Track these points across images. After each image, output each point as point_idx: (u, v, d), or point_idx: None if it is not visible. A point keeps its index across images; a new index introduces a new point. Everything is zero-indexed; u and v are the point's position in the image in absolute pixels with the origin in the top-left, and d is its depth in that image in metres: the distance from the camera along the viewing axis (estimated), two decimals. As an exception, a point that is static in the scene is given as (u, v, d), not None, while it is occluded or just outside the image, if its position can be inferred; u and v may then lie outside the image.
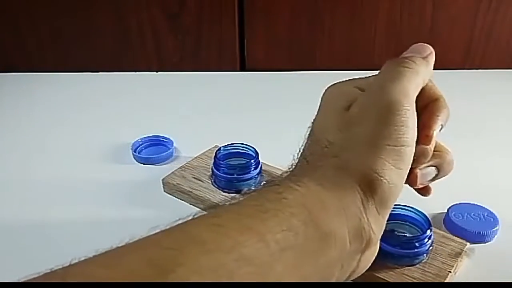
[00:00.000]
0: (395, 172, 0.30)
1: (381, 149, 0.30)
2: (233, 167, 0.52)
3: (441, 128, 0.36)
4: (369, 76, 0.35)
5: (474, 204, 0.51)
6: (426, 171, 0.36)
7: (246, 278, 0.23)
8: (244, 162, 0.54)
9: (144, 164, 0.61)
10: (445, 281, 0.41)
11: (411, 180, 0.35)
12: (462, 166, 0.60)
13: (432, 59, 0.36)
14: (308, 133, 0.35)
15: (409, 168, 0.32)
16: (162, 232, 0.25)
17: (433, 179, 0.37)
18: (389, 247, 0.42)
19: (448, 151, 0.39)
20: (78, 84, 0.84)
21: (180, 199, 0.54)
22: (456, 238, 0.45)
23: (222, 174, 0.52)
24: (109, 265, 0.22)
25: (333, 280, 0.30)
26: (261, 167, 0.54)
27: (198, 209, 0.52)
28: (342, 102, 0.34)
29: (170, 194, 0.55)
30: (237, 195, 0.30)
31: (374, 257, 0.33)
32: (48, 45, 0.87)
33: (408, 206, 0.45)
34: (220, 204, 0.29)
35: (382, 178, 0.30)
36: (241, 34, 0.86)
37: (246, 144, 0.55)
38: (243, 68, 0.88)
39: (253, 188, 0.47)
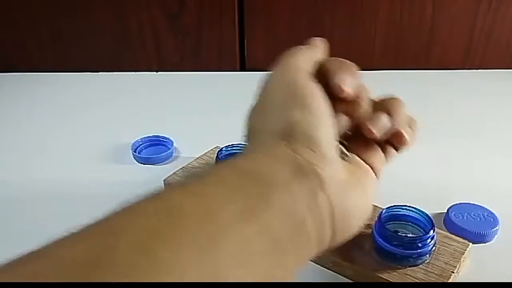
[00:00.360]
0: (306, 112, 0.32)
1: (288, 107, 0.33)
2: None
3: (355, 80, 0.37)
4: None
5: (474, 204, 0.51)
6: (376, 120, 0.37)
7: (195, 228, 0.24)
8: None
9: (144, 164, 0.61)
10: (448, 281, 0.41)
11: (365, 131, 0.36)
12: (462, 166, 0.61)
13: (319, 42, 0.40)
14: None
15: (324, 109, 0.33)
16: (115, 212, 0.25)
17: (393, 125, 0.38)
18: (392, 248, 0.42)
19: (392, 97, 0.40)
20: (78, 84, 0.84)
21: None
22: (459, 238, 0.45)
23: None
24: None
25: (310, 225, 0.29)
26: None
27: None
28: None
29: (171, 195, 0.55)
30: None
31: (352, 203, 0.32)
32: (48, 45, 0.87)
33: (411, 207, 0.45)
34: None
35: (296, 121, 0.32)
36: (241, 34, 0.86)
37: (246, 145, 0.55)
38: (243, 68, 0.88)
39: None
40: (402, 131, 0.39)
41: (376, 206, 0.49)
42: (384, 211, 0.45)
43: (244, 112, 0.53)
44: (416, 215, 0.45)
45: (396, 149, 0.40)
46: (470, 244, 0.45)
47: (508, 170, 0.60)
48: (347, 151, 0.36)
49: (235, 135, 0.59)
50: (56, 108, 0.76)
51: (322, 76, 0.36)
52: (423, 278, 0.41)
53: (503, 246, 0.48)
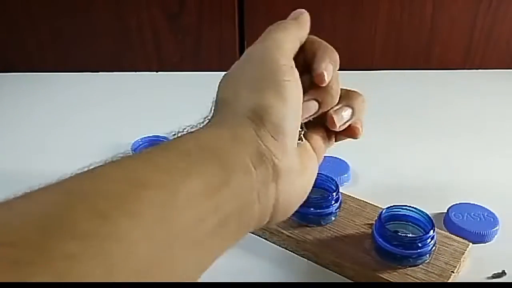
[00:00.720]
0: (280, 101, 0.33)
1: (263, 88, 0.33)
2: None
3: (334, 69, 0.37)
4: None
5: (474, 204, 0.51)
6: (341, 112, 0.39)
7: (153, 203, 0.24)
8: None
9: (144, 164, 0.61)
10: (448, 281, 0.41)
11: (329, 122, 0.38)
12: (462, 166, 0.61)
13: (304, 18, 0.39)
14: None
15: (297, 101, 0.34)
16: (75, 174, 0.26)
17: (351, 118, 0.39)
18: (392, 248, 0.42)
19: (357, 92, 0.41)
20: (78, 84, 0.84)
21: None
22: (459, 238, 0.45)
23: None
24: (27, 197, 0.24)
25: (257, 213, 0.31)
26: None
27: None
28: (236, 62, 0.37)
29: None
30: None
31: (298, 194, 0.34)
32: (48, 45, 0.87)
33: (411, 207, 0.45)
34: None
35: (267, 107, 0.32)
36: (241, 34, 0.86)
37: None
38: (243, 68, 0.88)
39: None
40: (359, 127, 0.40)
41: (376, 206, 0.49)
42: (384, 211, 0.45)
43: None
44: (416, 215, 0.45)
45: (342, 137, 0.42)
46: (470, 244, 0.45)
47: (508, 170, 0.60)
48: (303, 136, 0.37)
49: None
50: (56, 108, 0.76)
51: (303, 56, 0.38)
52: (423, 278, 0.41)
53: (503, 246, 0.48)
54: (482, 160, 0.62)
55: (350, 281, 0.44)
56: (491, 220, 0.49)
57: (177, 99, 0.79)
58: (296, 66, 0.36)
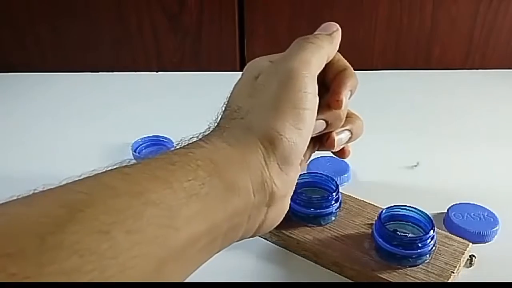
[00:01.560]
0: (295, 132, 0.33)
1: (282, 111, 0.33)
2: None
3: (350, 95, 0.39)
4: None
5: (474, 204, 0.51)
6: (341, 135, 0.41)
7: (154, 220, 0.25)
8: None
9: (144, 164, 0.61)
10: (448, 281, 0.41)
11: (329, 143, 0.40)
12: (462, 166, 0.61)
13: (338, 35, 0.39)
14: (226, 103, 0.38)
15: (310, 130, 0.35)
16: (77, 180, 0.27)
17: (347, 142, 0.42)
18: (392, 248, 0.42)
19: (358, 117, 0.43)
20: (78, 84, 0.84)
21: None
22: (459, 238, 0.45)
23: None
24: (28, 204, 0.24)
25: (242, 231, 0.32)
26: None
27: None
28: (253, 72, 0.37)
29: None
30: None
31: (282, 215, 0.36)
32: (48, 45, 0.87)
33: (411, 207, 0.45)
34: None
35: (282, 136, 0.32)
36: (241, 34, 0.86)
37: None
38: (243, 68, 0.88)
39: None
40: (349, 150, 0.43)
41: (376, 206, 0.49)
42: (384, 211, 0.45)
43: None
44: (416, 215, 0.45)
45: (336, 154, 0.44)
46: (470, 244, 0.45)
47: (508, 170, 0.60)
48: None
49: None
50: (55, 108, 0.76)
51: (324, 75, 0.38)
52: (423, 278, 0.41)
53: (503, 246, 0.47)
54: (482, 160, 0.62)
55: (350, 281, 0.43)
56: (491, 220, 0.49)
57: (177, 99, 0.79)
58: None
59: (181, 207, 0.26)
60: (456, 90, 0.83)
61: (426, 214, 0.44)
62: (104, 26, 0.85)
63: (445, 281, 0.40)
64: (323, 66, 0.37)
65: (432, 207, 0.51)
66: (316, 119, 0.36)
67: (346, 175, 0.57)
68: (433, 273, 0.41)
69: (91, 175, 0.27)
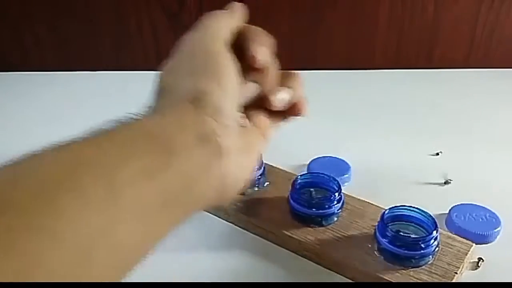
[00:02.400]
0: (219, 87, 0.35)
1: (201, 73, 0.35)
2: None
3: (269, 52, 0.40)
4: None
5: (476, 204, 0.51)
6: (281, 94, 0.41)
7: (95, 183, 0.26)
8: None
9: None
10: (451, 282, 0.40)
11: (268, 103, 0.40)
12: (464, 166, 0.60)
13: (235, 7, 0.42)
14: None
15: (232, 82, 0.36)
16: (26, 155, 0.28)
17: (290, 98, 0.42)
18: (395, 249, 0.42)
19: (295, 73, 0.44)
20: (78, 84, 0.84)
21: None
22: (462, 239, 0.45)
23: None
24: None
25: (201, 191, 0.32)
26: (264, 167, 0.53)
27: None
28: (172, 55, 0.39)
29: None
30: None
31: (245, 171, 0.36)
32: (48, 44, 0.87)
33: (414, 207, 0.45)
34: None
35: (208, 92, 0.34)
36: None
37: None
38: (243, 68, 0.87)
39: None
40: (301, 104, 0.43)
41: (379, 207, 0.49)
42: (387, 211, 0.44)
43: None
44: (419, 216, 0.45)
45: (288, 116, 0.44)
46: (474, 245, 0.44)
47: (510, 170, 0.60)
48: (246, 116, 0.39)
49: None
50: (55, 108, 0.76)
51: (238, 43, 0.39)
52: (426, 279, 0.40)
53: (505, 247, 0.47)
54: (484, 161, 0.62)
55: (350, 281, 0.43)
56: (493, 220, 0.49)
57: (177, 99, 0.78)
58: (234, 53, 0.38)
59: (119, 169, 0.27)
60: (457, 90, 0.83)
61: (429, 214, 0.44)
62: (103, 26, 0.85)
63: (449, 282, 0.40)
64: (231, 31, 0.39)
65: (434, 208, 0.51)
66: (246, 82, 0.38)
67: (347, 175, 0.56)
68: (436, 274, 0.41)
69: (32, 153, 0.28)
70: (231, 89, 0.36)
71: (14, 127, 0.71)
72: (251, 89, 0.40)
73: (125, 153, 0.29)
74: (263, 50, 0.39)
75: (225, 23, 0.40)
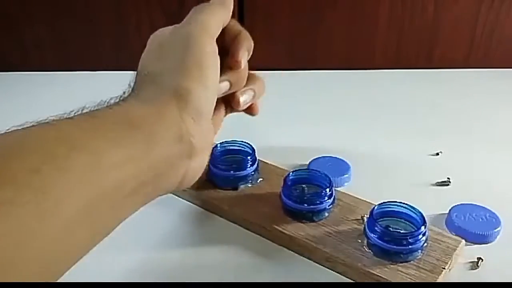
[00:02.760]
0: (202, 87, 0.36)
1: (188, 70, 0.36)
2: (230, 164, 0.52)
3: (248, 55, 0.43)
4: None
5: (476, 204, 0.51)
6: (245, 95, 0.45)
7: (81, 163, 0.27)
8: (241, 159, 0.53)
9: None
10: (440, 278, 0.40)
11: (235, 103, 0.44)
12: (464, 166, 0.60)
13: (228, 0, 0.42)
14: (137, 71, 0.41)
15: (215, 84, 0.38)
16: (10, 131, 0.29)
17: (252, 100, 0.46)
18: (383, 244, 0.42)
19: (259, 77, 0.47)
20: (78, 84, 0.84)
21: (177, 196, 0.54)
22: (451, 235, 0.45)
23: (218, 171, 0.52)
24: None
25: (168, 182, 0.35)
26: (257, 164, 0.54)
27: (194, 205, 0.53)
28: (157, 40, 0.41)
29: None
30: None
31: (202, 168, 0.38)
32: (47, 44, 0.87)
33: (403, 203, 0.45)
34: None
35: (191, 92, 0.36)
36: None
37: (243, 141, 0.55)
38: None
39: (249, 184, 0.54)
40: (257, 107, 0.48)
41: (370, 203, 0.49)
42: (376, 207, 0.45)
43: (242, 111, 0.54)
44: (408, 212, 0.45)
45: (236, 111, 0.47)
46: (463, 241, 0.44)
47: (510, 170, 0.60)
48: None
49: (230, 133, 0.59)
50: (55, 108, 0.75)
51: (224, 41, 0.42)
52: (415, 273, 0.40)
53: (505, 247, 0.47)
54: (484, 161, 0.62)
55: (343, 277, 0.43)
56: (493, 221, 0.48)
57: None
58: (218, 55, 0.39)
59: (105, 153, 0.29)
60: (457, 90, 0.82)
61: (418, 210, 0.44)
62: (103, 26, 0.86)
63: (437, 277, 0.40)
64: (221, 28, 0.41)
65: (434, 208, 0.51)
66: (220, 81, 0.40)
67: (347, 175, 0.56)
68: (425, 269, 0.41)
69: (21, 127, 0.29)
70: (213, 91, 0.38)
71: (14, 127, 0.72)
72: (223, 87, 0.42)
73: (109, 140, 0.30)
74: (246, 55, 0.42)
75: (216, 19, 0.40)
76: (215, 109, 0.40)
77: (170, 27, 0.41)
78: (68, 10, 0.84)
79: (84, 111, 0.33)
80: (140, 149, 0.32)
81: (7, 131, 0.29)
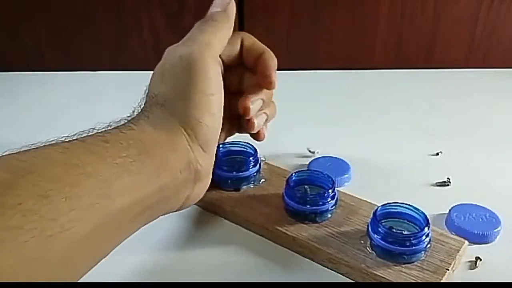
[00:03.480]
0: (211, 116, 0.37)
1: (196, 99, 0.36)
2: (232, 165, 0.52)
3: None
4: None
5: (476, 204, 0.51)
6: (259, 118, 0.46)
7: (89, 189, 0.28)
8: (243, 160, 0.53)
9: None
10: (443, 279, 0.40)
11: (250, 126, 0.45)
12: (464, 166, 0.60)
13: (232, 8, 0.42)
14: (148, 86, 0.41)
15: (221, 111, 0.38)
16: (19, 151, 0.29)
17: (264, 123, 0.47)
18: (386, 245, 0.42)
19: (273, 101, 0.48)
20: (77, 83, 0.84)
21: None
22: (454, 236, 0.45)
23: (221, 172, 0.52)
24: None
25: (170, 204, 0.36)
26: (260, 164, 0.54)
27: (196, 206, 0.52)
28: (166, 58, 0.41)
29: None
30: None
31: (205, 189, 0.40)
32: (47, 44, 0.87)
33: (407, 204, 0.45)
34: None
35: (201, 123, 0.36)
36: (241, 34, 0.86)
37: (245, 142, 0.55)
38: (243, 68, 0.88)
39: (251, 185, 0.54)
40: (264, 133, 0.48)
41: (373, 204, 0.49)
42: (379, 208, 0.45)
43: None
44: (412, 213, 0.45)
45: (252, 136, 0.49)
46: (466, 242, 0.44)
47: (511, 170, 0.60)
48: None
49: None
50: (54, 108, 0.76)
51: (240, 52, 0.43)
52: (418, 275, 0.40)
53: (505, 247, 0.47)
54: (484, 161, 0.62)
55: (345, 277, 0.43)
56: (493, 221, 0.49)
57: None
58: (227, 59, 0.41)
59: (115, 180, 0.29)
60: (457, 90, 0.82)
61: (421, 211, 0.44)
62: (103, 25, 0.85)
63: (440, 278, 0.40)
64: (224, 44, 0.41)
65: (434, 208, 0.51)
66: (253, 101, 0.42)
67: (347, 175, 0.56)
68: (428, 270, 0.41)
69: (31, 148, 0.29)
70: (219, 117, 0.38)
71: (14, 127, 0.72)
72: (257, 105, 0.44)
73: (119, 166, 0.30)
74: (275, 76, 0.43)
75: (219, 37, 0.40)
76: (222, 129, 0.40)
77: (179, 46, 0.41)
78: (68, 10, 0.84)
79: (94, 132, 0.33)
80: (148, 176, 0.32)
81: (19, 151, 0.29)
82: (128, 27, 0.85)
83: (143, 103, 0.39)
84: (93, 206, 0.27)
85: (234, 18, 0.42)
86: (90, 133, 0.33)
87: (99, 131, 0.34)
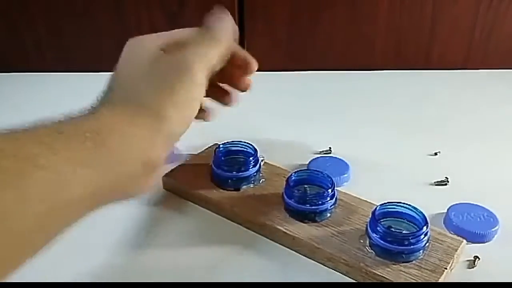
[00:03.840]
0: (185, 118, 0.37)
1: (177, 100, 0.36)
2: (232, 165, 0.52)
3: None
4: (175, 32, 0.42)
5: (474, 204, 0.51)
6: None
7: (41, 182, 0.27)
8: (243, 159, 0.54)
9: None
10: (441, 278, 0.41)
11: (233, 100, 0.47)
12: (462, 166, 0.61)
13: (229, 22, 0.45)
14: (111, 80, 0.40)
15: (195, 114, 0.38)
16: None
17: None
18: (385, 244, 0.42)
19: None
20: (77, 84, 0.84)
21: (180, 196, 0.54)
22: (452, 235, 0.45)
23: (221, 172, 0.52)
24: None
25: (124, 193, 0.35)
26: (260, 164, 0.54)
27: (196, 206, 0.53)
28: (143, 55, 0.41)
29: (170, 191, 0.55)
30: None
31: (160, 177, 0.42)
32: (47, 45, 0.87)
33: (406, 204, 0.45)
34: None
35: (172, 121, 0.36)
36: (241, 34, 0.86)
37: (245, 142, 0.56)
38: (242, 67, 0.88)
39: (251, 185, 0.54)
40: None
41: (372, 203, 0.49)
42: (378, 207, 0.45)
43: (242, 111, 0.54)
44: (410, 212, 0.45)
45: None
46: (464, 241, 0.45)
47: (508, 170, 0.60)
48: None
49: (232, 133, 0.59)
50: (54, 108, 0.75)
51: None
52: (416, 274, 0.41)
53: (502, 246, 0.48)
54: (482, 160, 0.62)
55: (345, 276, 0.44)
56: (490, 220, 0.49)
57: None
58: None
59: (67, 173, 0.28)
60: (456, 90, 0.83)
61: (420, 211, 0.44)
62: (103, 25, 0.86)
63: (438, 277, 0.40)
64: (220, 59, 0.41)
65: (432, 207, 0.51)
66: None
67: (346, 175, 0.57)
68: (426, 269, 0.41)
69: None
70: (192, 117, 0.38)
71: (14, 127, 0.72)
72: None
73: (72, 157, 0.29)
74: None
75: (219, 48, 0.41)
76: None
77: (154, 40, 0.42)
78: (68, 10, 0.84)
79: (52, 122, 0.32)
80: (102, 169, 0.31)
81: None
82: (128, 27, 0.86)
83: (109, 90, 0.39)
84: (42, 198, 0.27)
85: (231, 30, 0.44)
86: (46, 123, 0.32)
87: (57, 121, 0.33)
